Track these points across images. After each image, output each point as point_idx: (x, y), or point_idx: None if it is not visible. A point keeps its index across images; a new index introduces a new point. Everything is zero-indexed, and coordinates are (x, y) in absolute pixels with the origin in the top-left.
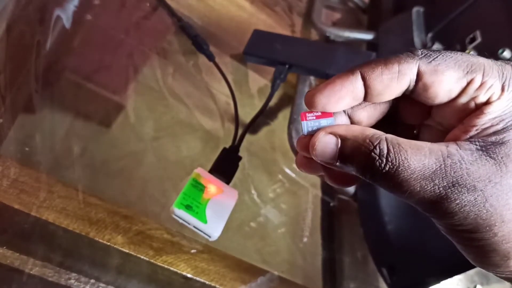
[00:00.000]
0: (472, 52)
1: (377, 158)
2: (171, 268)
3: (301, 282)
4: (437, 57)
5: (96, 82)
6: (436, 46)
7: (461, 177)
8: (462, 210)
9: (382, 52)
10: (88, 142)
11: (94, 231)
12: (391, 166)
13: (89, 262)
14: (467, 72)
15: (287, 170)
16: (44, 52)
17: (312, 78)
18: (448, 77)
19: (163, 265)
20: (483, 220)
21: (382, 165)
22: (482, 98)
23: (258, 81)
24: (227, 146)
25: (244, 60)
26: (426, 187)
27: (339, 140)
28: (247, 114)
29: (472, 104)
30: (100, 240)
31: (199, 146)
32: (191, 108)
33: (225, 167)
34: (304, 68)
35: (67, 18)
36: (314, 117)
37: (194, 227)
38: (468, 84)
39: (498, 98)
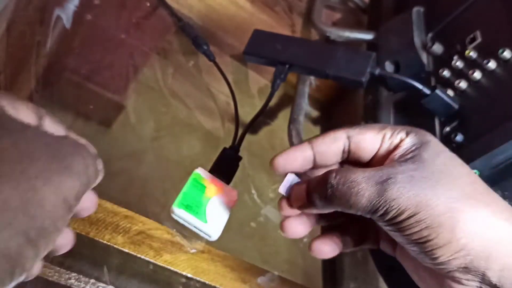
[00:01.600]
0: (472, 52)
1: (328, 182)
2: (171, 268)
3: (301, 282)
4: (358, 126)
5: (96, 82)
6: (436, 46)
7: (393, 176)
8: (397, 198)
9: (382, 52)
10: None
11: (94, 231)
12: (340, 183)
13: (89, 262)
14: (380, 129)
15: None
16: (44, 52)
17: (312, 78)
18: (369, 135)
19: (163, 265)
20: (413, 205)
21: (332, 182)
22: (395, 141)
23: (258, 81)
24: (227, 146)
25: (244, 60)
26: (368, 190)
27: (306, 184)
28: (247, 114)
29: (392, 147)
30: (100, 240)
31: (199, 146)
32: (191, 108)
33: (226, 167)
34: (304, 68)
35: (67, 18)
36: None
37: (194, 227)
38: (384, 136)
39: (406, 137)
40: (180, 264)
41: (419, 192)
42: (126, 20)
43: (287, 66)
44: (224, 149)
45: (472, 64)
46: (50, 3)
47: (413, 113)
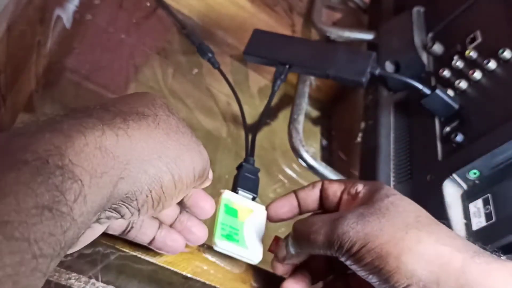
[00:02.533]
0: (472, 52)
1: (293, 226)
2: (172, 268)
3: None
4: (332, 179)
5: (96, 82)
6: (437, 46)
7: (344, 215)
8: (347, 232)
9: (382, 52)
10: None
11: None
12: (301, 223)
13: (90, 262)
14: (344, 182)
15: (288, 170)
16: (44, 52)
17: (312, 78)
18: (334, 185)
19: (163, 265)
20: (361, 237)
21: (296, 225)
22: (353, 191)
23: (258, 81)
24: (242, 160)
25: (245, 60)
26: (323, 228)
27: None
28: (248, 114)
29: (351, 198)
30: (101, 240)
31: None
32: (191, 108)
33: (248, 181)
34: (304, 68)
35: (67, 18)
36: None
37: (237, 255)
38: (345, 186)
39: (362, 188)
40: (180, 264)
41: (366, 225)
42: (126, 20)
43: (287, 66)
44: (242, 164)
45: (472, 64)
46: (50, 3)
47: (413, 113)
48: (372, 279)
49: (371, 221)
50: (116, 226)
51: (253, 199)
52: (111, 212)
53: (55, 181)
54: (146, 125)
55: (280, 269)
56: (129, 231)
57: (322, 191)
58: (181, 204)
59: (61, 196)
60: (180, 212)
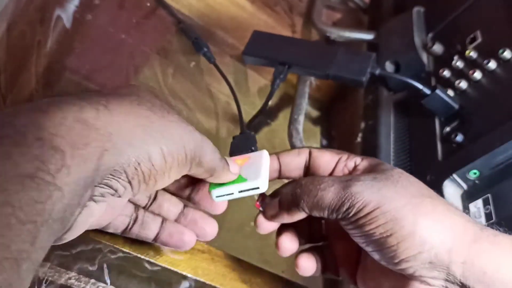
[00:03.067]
0: (472, 52)
1: (298, 182)
2: (172, 268)
3: (301, 282)
4: (318, 147)
5: (96, 82)
6: (437, 46)
7: (356, 177)
8: (361, 192)
9: (382, 52)
10: None
11: (95, 231)
12: (309, 181)
13: (90, 262)
14: (337, 153)
15: None
16: (44, 52)
17: (312, 78)
18: (327, 154)
19: (163, 265)
20: (376, 198)
21: (302, 182)
22: (350, 164)
23: (258, 81)
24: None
25: (245, 62)
26: (334, 186)
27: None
28: (247, 114)
29: (346, 171)
30: (101, 240)
31: None
32: (191, 108)
33: (244, 144)
34: (304, 68)
35: (67, 18)
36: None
37: (239, 191)
38: (339, 159)
39: (361, 161)
40: (180, 264)
41: (382, 188)
42: (126, 20)
43: (286, 66)
44: (234, 137)
45: (472, 64)
46: (51, 3)
47: (413, 113)
48: (375, 247)
49: (387, 185)
50: (119, 222)
51: (251, 151)
52: (103, 187)
53: (35, 152)
54: (128, 101)
55: (264, 227)
56: (131, 227)
57: (310, 159)
58: (189, 199)
59: (43, 165)
60: (185, 207)
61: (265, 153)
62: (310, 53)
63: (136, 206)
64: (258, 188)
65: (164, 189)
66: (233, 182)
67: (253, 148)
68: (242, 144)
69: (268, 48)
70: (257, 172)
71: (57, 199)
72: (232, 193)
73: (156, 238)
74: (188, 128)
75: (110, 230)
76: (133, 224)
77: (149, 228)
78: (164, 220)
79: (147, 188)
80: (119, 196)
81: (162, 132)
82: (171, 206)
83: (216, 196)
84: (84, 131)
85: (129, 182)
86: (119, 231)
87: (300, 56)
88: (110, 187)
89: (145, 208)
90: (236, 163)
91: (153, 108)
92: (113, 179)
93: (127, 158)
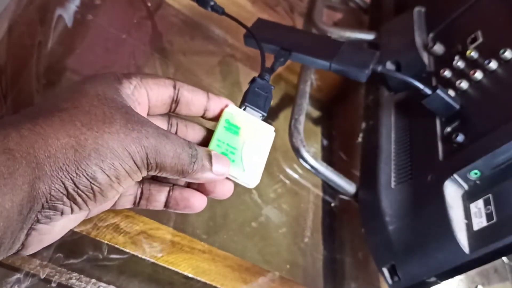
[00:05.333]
0: (473, 53)
1: None
2: (172, 268)
3: (302, 282)
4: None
5: None
6: (438, 46)
7: None
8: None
9: (383, 52)
10: None
11: (95, 231)
12: None
13: (90, 262)
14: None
15: (288, 170)
16: (45, 52)
17: (313, 78)
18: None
19: (164, 265)
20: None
21: None
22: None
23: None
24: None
25: (245, 44)
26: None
27: None
28: None
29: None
30: (102, 240)
31: None
32: None
33: (259, 99)
34: (307, 56)
35: (68, 18)
36: None
37: (232, 176)
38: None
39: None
40: (181, 264)
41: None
42: (127, 20)
43: (288, 52)
44: (254, 78)
45: (473, 64)
46: (52, 3)
47: (414, 113)
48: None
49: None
50: (124, 202)
51: (262, 118)
52: (47, 211)
53: None
54: (59, 120)
55: None
56: (138, 202)
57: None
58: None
59: None
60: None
61: (272, 134)
62: (315, 43)
63: (141, 181)
64: (248, 184)
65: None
66: (233, 159)
67: (264, 114)
68: (259, 97)
69: (272, 33)
70: (256, 165)
71: None
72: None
73: (167, 206)
74: (135, 135)
75: (118, 208)
76: (140, 199)
77: (156, 200)
78: (171, 187)
79: (97, 203)
80: (71, 213)
81: (98, 150)
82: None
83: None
84: (8, 161)
85: (74, 203)
86: (127, 208)
87: (304, 45)
88: (55, 209)
89: (153, 178)
90: (226, 162)
91: (91, 122)
92: (55, 203)
93: (61, 182)
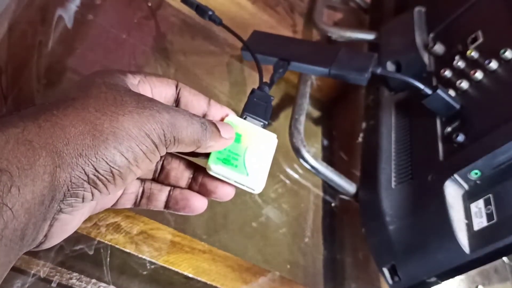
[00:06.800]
0: (473, 52)
1: None
2: (173, 268)
3: (302, 282)
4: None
5: None
6: (438, 46)
7: None
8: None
9: (383, 52)
10: None
11: (96, 231)
12: None
13: (91, 262)
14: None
15: (289, 170)
16: (46, 52)
17: (313, 78)
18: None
19: (164, 265)
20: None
21: None
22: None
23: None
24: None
25: (243, 58)
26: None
27: None
28: None
29: None
30: (102, 240)
31: None
32: None
33: (258, 108)
34: (305, 65)
35: (69, 18)
36: None
37: (236, 181)
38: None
39: None
40: (181, 264)
41: None
42: (128, 20)
43: (287, 62)
44: (253, 90)
45: (473, 64)
46: (52, 3)
47: (414, 113)
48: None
49: None
50: (124, 201)
51: (263, 126)
52: (69, 199)
53: None
54: (73, 108)
55: None
56: (139, 201)
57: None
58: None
59: None
60: (195, 172)
61: (275, 141)
62: (312, 51)
63: (143, 181)
64: (253, 190)
65: (172, 157)
66: (236, 165)
67: (265, 122)
68: (259, 107)
69: (269, 45)
70: (260, 169)
71: (8, 219)
72: (229, 178)
73: (167, 206)
74: (148, 113)
75: (118, 207)
76: (141, 198)
77: (156, 199)
78: (172, 188)
79: (117, 187)
80: (92, 199)
81: (115, 133)
82: (179, 173)
83: (212, 170)
84: (28, 152)
85: (95, 188)
86: (128, 207)
87: (302, 53)
88: (76, 196)
89: (154, 179)
90: (231, 128)
91: (103, 107)
92: (76, 190)
93: (81, 168)
